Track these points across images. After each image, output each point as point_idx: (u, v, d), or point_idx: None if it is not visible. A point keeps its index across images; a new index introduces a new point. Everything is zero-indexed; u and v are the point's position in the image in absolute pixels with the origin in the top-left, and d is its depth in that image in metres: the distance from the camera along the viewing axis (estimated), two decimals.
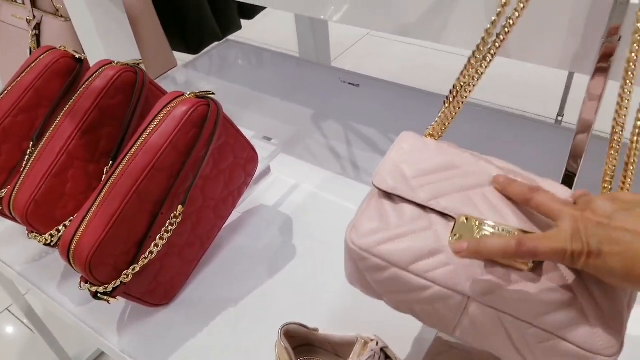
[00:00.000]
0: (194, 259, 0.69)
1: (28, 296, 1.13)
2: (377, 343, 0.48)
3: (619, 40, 0.47)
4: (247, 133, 0.85)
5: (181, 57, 1.26)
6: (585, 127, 0.53)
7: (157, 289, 0.65)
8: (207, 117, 0.61)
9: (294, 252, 0.73)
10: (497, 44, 0.45)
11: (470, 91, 0.48)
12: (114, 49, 1.00)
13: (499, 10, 0.45)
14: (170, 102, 0.61)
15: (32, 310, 1.14)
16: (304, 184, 0.84)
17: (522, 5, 0.44)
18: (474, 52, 0.47)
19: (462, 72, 0.48)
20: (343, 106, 1.01)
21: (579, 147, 0.54)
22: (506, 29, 0.45)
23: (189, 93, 0.62)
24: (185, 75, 1.24)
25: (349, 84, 1.06)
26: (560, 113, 1.13)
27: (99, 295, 0.59)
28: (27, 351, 1.39)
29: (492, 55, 0.46)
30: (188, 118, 0.60)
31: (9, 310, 1.49)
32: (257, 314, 0.66)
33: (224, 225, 0.74)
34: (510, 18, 0.45)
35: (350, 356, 0.48)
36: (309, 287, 0.68)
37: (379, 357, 0.48)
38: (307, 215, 0.79)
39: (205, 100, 0.62)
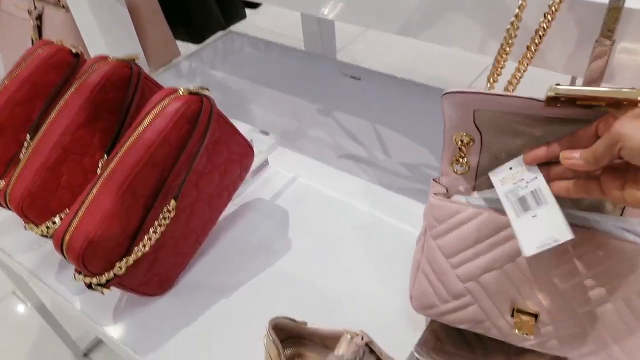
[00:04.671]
0: (188, 252, 0.70)
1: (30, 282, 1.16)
2: (362, 338, 0.49)
3: (612, 44, 0.46)
4: (245, 127, 0.85)
5: (186, 47, 1.27)
6: None
7: (151, 281, 0.66)
8: (200, 113, 0.62)
9: (289, 246, 0.74)
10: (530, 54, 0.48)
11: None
12: (114, 40, 1.01)
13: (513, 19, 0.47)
14: (163, 98, 0.61)
15: (35, 295, 1.17)
16: (301, 177, 0.85)
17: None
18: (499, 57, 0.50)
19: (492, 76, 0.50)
20: (344, 100, 1.01)
21: None
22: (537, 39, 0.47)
23: (182, 89, 0.63)
24: (190, 65, 1.24)
25: (351, 77, 1.06)
26: None
27: (92, 286, 0.60)
28: (34, 333, 1.42)
29: (526, 66, 0.49)
30: (181, 115, 0.60)
31: (15, 293, 1.53)
32: (250, 306, 0.66)
33: (221, 218, 0.75)
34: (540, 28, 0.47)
35: (336, 350, 0.49)
36: (303, 281, 0.69)
37: (364, 352, 0.48)
38: (304, 209, 0.79)
39: (198, 97, 0.62)
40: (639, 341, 0.51)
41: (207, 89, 0.64)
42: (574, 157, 0.40)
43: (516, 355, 0.58)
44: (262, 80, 1.12)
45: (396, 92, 1.01)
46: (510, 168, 0.47)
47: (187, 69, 1.23)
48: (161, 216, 0.61)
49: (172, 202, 0.61)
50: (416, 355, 0.59)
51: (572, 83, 1.15)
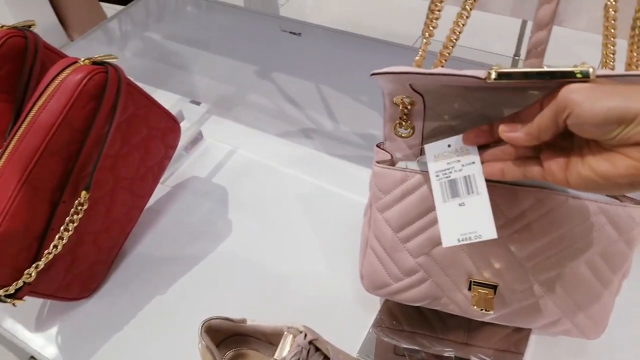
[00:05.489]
0: (114, 245, 0.62)
1: None
2: (306, 336, 0.44)
3: None
4: (173, 97, 0.77)
5: (111, 8, 1.14)
6: None
7: (72, 283, 0.58)
8: (106, 86, 0.53)
9: (230, 228, 0.67)
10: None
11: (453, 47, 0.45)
12: (20, 5, 0.89)
13: None
14: (61, 71, 0.52)
15: None
16: (240, 149, 0.77)
17: None
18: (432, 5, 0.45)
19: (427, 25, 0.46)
20: (283, 59, 0.92)
21: None
22: None
23: (83, 59, 0.53)
24: (118, 27, 1.11)
25: (290, 32, 0.97)
26: (517, 54, 1.08)
27: (1, 298, 0.52)
28: None
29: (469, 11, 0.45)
30: (82, 89, 0.51)
31: None
32: (189, 300, 0.60)
33: (150, 203, 0.67)
34: None
35: (277, 353, 0.43)
36: (247, 265, 0.62)
37: (308, 351, 0.43)
38: (245, 184, 0.72)
39: (103, 67, 0.53)
40: (604, 306, 0.48)
41: (114, 57, 0.55)
42: (514, 131, 0.36)
43: (477, 329, 0.54)
44: (194, 42, 1.01)
45: (340, 48, 0.93)
46: (449, 145, 0.41)
47: (116, 31, 1.10)
48: (72, 211, 0.53)
49: (83, 193, 0.53)
50: (377, 335, 0.54)
51: (523, 27, 1.11)
